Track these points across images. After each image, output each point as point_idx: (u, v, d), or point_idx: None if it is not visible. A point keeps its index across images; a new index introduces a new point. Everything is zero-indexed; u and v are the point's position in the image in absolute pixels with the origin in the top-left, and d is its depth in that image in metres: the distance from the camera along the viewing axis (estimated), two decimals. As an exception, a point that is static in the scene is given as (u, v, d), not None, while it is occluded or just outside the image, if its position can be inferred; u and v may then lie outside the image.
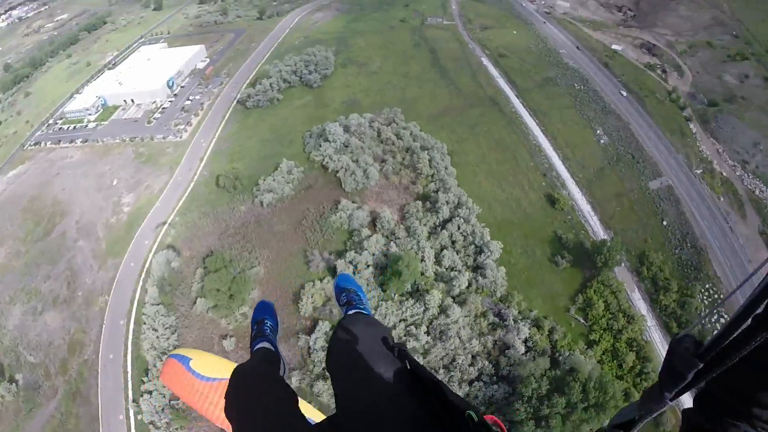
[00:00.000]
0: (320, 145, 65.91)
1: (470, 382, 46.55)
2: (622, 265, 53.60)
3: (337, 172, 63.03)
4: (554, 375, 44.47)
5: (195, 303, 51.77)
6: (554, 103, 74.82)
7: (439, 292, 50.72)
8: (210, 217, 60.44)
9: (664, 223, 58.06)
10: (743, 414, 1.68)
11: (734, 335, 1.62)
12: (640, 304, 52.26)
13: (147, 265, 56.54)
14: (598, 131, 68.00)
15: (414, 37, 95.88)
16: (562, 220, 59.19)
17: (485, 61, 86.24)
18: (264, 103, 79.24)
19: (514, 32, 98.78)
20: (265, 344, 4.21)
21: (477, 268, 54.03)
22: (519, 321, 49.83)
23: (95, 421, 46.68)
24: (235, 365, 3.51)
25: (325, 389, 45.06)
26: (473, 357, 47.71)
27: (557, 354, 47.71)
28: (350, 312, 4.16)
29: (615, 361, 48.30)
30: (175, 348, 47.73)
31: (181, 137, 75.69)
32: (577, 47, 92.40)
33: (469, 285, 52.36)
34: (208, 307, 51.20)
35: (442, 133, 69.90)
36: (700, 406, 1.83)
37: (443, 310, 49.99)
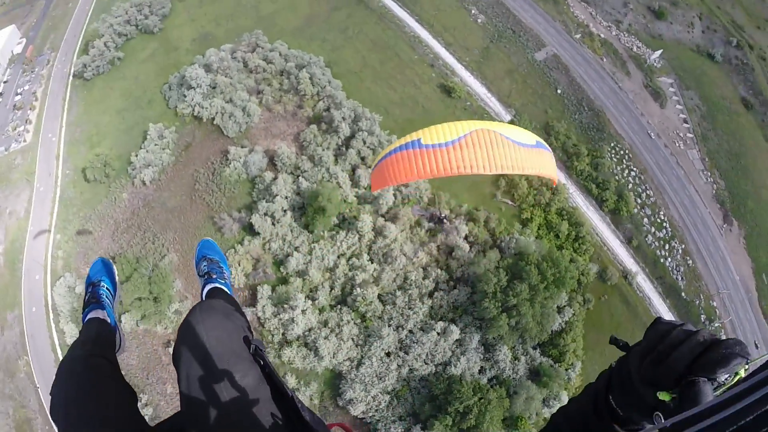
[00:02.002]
0: (184, 96, 56.71)
1: (430, 295, 45.82)
2: (533, 140, 54.41)
3: (213, 119, 55.43)
4: (507, 263, 44.79)
5: (121, 322, 43.42)
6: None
7: (368, 215, 47.91)
8: (94, 220, 51.91)
9: (558, 91, 60.06)
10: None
11: None
12: (558, 174, 54.12)
13: (50, 303, 48.41)
14: (473, 11, 66.60)
15: None
16: (462, 107, 58.51)
17: None
18: (105, 68, 64.07)
19: None
20: (99, 313, 3.82)
21: (396, 179, 51.36)
22: (454, 219, 49.10)
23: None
24: None
25: (294, 354, 43.24)
26: (424, 269, 46.50)
27: (499, 241, 48.21)
28: (209, 286, 3.93)
29: (551, 233, 50.46)
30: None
31: (25, 141, 60.51)
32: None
33: (395, 197, 49.88)
34: (136, 321, 45.16)
35: (313, 45, 63.58)
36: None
37: (378, 232, 47.67)
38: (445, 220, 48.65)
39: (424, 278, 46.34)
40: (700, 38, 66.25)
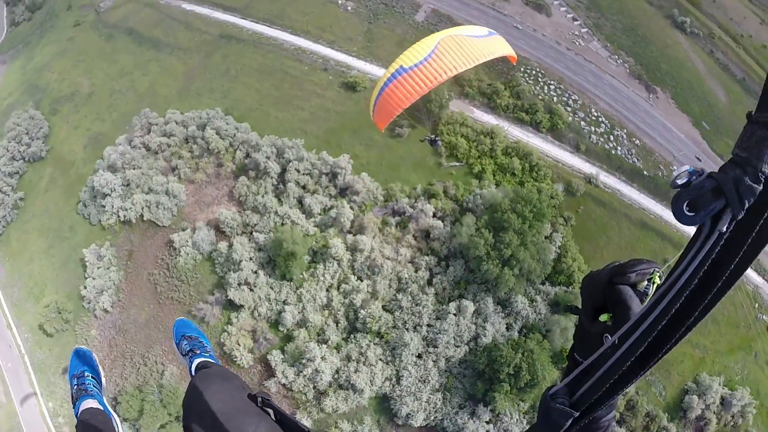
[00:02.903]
0: (103, 206, 53.57)
1: (429, 283, 45.95)
2: (452, 98, 54.88)
3: (142, 216, 52.73)
4: (485, 221, 45.32)
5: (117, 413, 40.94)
6: (280, 4, 69.93)
7: (336, 239, 47.43)
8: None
9: (452, 42, 60.41)
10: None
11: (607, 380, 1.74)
12: (488, 118, 55.12)
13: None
14: (341, 1, 66.02)
15: (101, 31, 78.81)
16: (368, 97, 57.85)
17: (186, 6, 75.69)
18: (11, 216, 58.81)
19: None
20: (91, 402, 3.86)
21: (344, 192, 50.96)
22: (414, 204, 49.25)
23: None
24: None
25: (335, 401, 43.05)
26: (412, 263, 46.53)
27: (466, 204, 48.69)
28: (196, 361, 3.96)
29: (507, 174, 51.34)
30: None
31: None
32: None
33: (351, 209, 49.42)
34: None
35: (204, 100, 61.61)
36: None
37: (353, 249, 47.27)
38: (438, 141, 49.26)
39: (416, 271, 46.43)
40: None
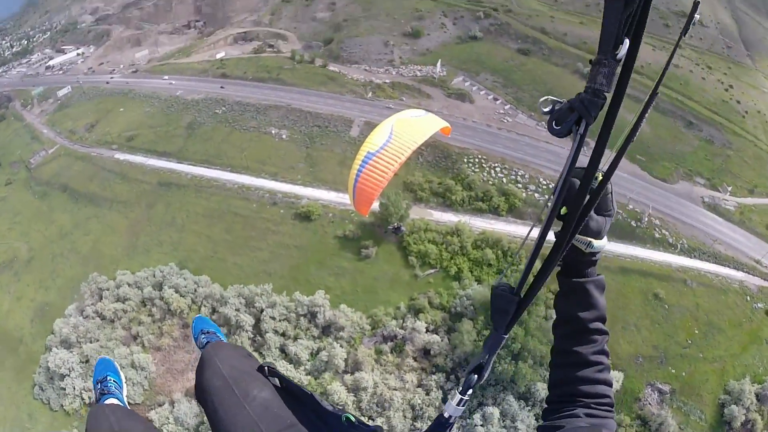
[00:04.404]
0: (63, 388, 48.81)
1: (444, 401, 44.02)
2: (411, 206, 55.65)
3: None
4: (482, 322, 45.79)
5: None
6: (214, 142, 70.17)
7: (335, 383, 45.40)
8: None
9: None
10: (575, 397, 2.22)
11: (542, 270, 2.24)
12: (448, 217, 56.66)
13: None
14: (273, 131, 67.54)
15: (34, 189, 75.29)
16: (329, 221, 58.07)
17: (119, 156, 74.23)
18: None
19: (122, 109, 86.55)
20: (113, 399, 4.13)
21: (327, 330, 49.85)
22: (404, 325, 48.69)
23: None
24: None
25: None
26: (420, 386, 45.67)
27: (455, 309, 48.51)
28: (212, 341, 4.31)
29: (484, 266, 52.29)
30: None
31: None
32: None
33: (341, 347, 47.89)
34: None
35: (153, 255, 59.15)
36: (544, 414, 2.35)
37: (354, 389, 45.61)
38: (402, 228, 49.30)
39: (427, 394, 45.33)
40: (456, 30, 74.10)
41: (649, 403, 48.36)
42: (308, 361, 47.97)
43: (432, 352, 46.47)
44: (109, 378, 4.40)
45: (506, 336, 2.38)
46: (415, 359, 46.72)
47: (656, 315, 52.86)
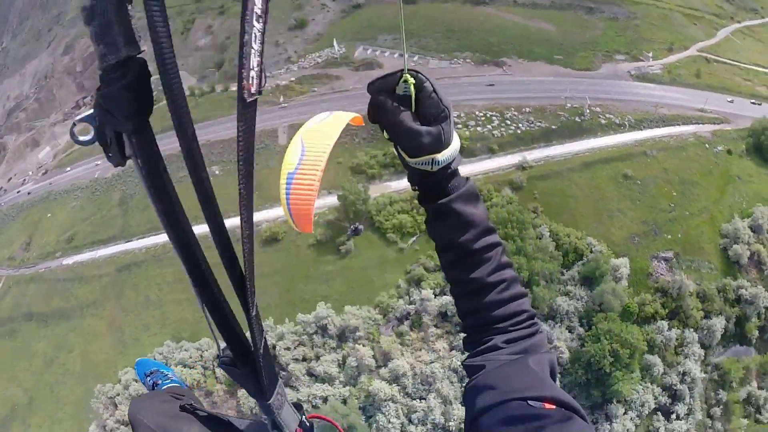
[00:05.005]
0: None
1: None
2: (368, 188, 55.17)
3: None
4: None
5: None
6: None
7: (374, 380, 45.10)
8: None
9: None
10: (489, 325, 1.92)
11: None
12: (405, 183, 53.99)
13: None
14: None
15: (1, 330, 70.93)
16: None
17: (67, 261, 70.77)
18: None
19: (49, 215, 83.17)
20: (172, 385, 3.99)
21: (343, 337, 49.20)
22: (411, 299, 48.58)
23: None
24: None
25: None
26: (453, 348, 45.86)
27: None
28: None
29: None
30: None
31: None
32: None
33: (363, 345, 47.52)
34: None
35: (144, 341, 56.98)
36: (464, 345, 2.05)
37: (394, 379, 45.24)
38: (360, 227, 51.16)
39: (462, 353, 45.11)
40: (338, 5, 74.35)
41: (661, 274, 50.28)
42: (339, 373, 47.37)
43: (449, 313, 46.51)
44: (159, 370, 4.31)
45: (270, 401, 2.02)
46: (436, 326, 46.79)
47: (633, 193, 54.76)
